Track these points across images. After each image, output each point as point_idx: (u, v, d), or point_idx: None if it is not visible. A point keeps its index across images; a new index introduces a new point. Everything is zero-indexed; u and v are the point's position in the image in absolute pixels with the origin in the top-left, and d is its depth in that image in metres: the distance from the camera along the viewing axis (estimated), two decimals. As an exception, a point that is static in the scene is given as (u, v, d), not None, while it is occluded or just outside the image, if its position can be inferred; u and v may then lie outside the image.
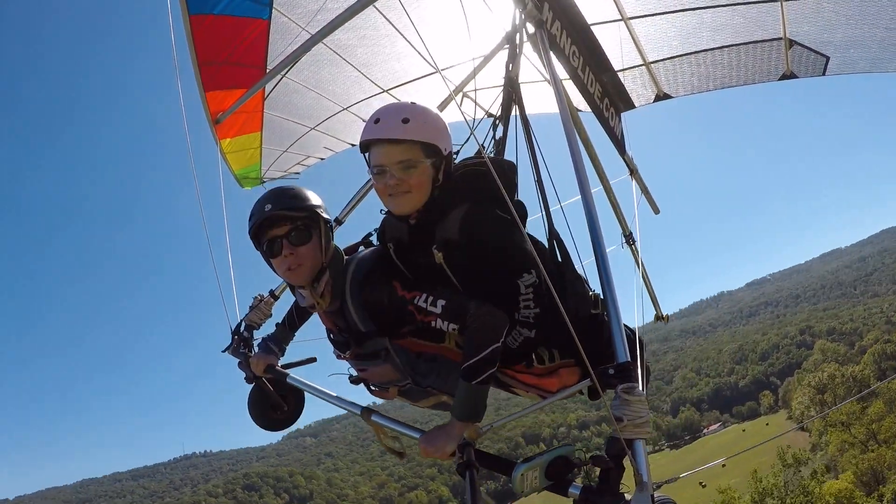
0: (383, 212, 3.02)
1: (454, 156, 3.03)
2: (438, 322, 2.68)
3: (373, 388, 3.29)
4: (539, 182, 3.65)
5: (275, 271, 2.93)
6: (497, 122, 3.97)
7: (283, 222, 2.81)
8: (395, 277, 2.83)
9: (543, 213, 3.61)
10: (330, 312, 3.04)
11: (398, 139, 2.71)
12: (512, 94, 4.04)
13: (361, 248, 3.12)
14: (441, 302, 2.66)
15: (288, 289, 3.48)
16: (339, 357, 3.18)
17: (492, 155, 3.90)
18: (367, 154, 2.87)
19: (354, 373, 3.25)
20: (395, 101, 6.46)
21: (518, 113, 4.00)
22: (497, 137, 3.99)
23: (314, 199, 2.93)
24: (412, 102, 2.86)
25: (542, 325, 2.82)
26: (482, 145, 3.80)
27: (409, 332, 2.90)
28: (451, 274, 2.83)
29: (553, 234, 3.47)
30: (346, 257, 3.02)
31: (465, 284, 2.82)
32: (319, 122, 6.55)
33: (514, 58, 4.07)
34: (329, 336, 3.19)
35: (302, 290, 2.98)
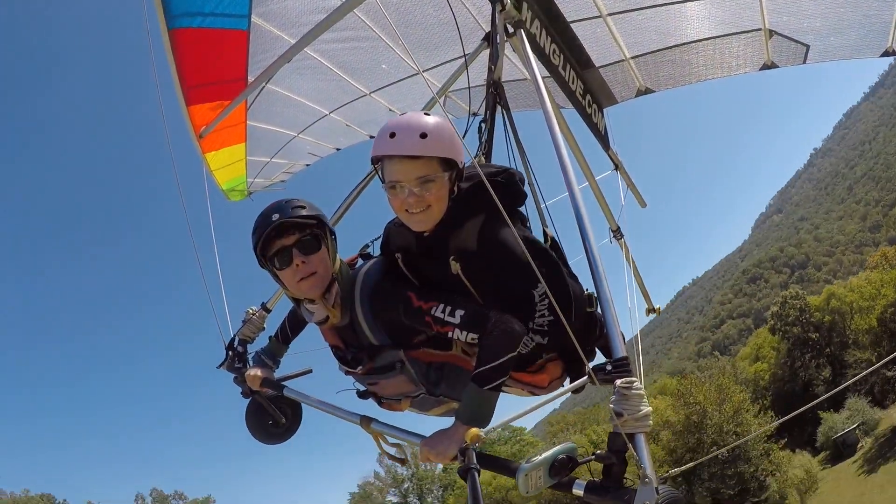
0: (395, 224, 2.96)
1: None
2: (456, 332, 2.64)
3: (384, 401, 3.25)
4: (531, 184, 3.65)
5: (283, 287, 2.87)
6: (482, 124, 3.93)
7: (291, 231, 2.76)
8: (408, 288, 2.79)
9: (540, 213, 3.64)
10: (338, 328, 2.99)
11: (417, 155, 2.63)
12: (496, 95, 4.04)
13: (359, 260, 3.09)
14: (460, 312, 2.62)
15: (281, 301, 3.43)
16: (347, 373, 3.13)
17: (481, 156, 3.88)
18: (378, 166, 2.78)
19: (361, 387, 3.21)
20: (381, 103, 6.51)
21: (504, 114, 3.99)
22: (484, 139, 3.94)
23: (317, 208, 2.89)
24: (425, 114, 2.77)
25: (554, 333, 2.82)
26: (480, 152, 3.83)
27: (421, 343, 2.87)
28: (468, 283, 2.79)
29: (547, 234, 3.48)
30: (350, 270, 2.96)
31: (482, 294, 2.80)
32: (303, 129, 6.53)
33: (495, 59, 4.05)
34: (336, 353, 3.13)
35: (311, 304, 2.92)
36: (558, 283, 2.84)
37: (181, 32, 4.10)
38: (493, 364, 2.51)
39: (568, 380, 3.17)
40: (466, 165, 2.93)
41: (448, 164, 2.71)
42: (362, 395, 3.27)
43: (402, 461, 3.34)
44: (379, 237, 3.16)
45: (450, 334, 2.66)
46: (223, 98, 4.84)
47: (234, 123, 5.47)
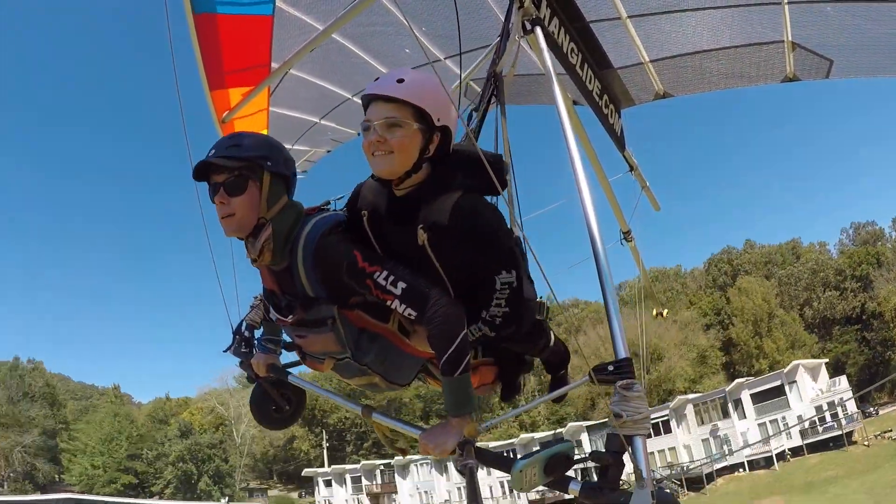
0: (371, 178, 2.95)
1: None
2: (395, 303, 2.62)
3: (308, 358, 3.20)
4: (512, 181, 3.63)
5: None
6: (474, 112, 3.87)
7: (221, 170, 2.71)
8: (356, 247, 2.72)
9: (511, 213, 3.61)
10: (275, 272, 2.92)
11: (388, 96, 2.66)
12: (495, 88, 3.99)
13: (318, 212, 3.00)
14: (402, 284, 2.59)
15: None
16: (277, 321, 3.08)
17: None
18: None
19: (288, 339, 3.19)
20: None
21: (499, 108, 3.97)
22: (472, 128, 3.82)
23: (261, 148, 2.80)
24: (418, 69, 2.79)
25: (503, 328, 2.81)
26: (470, 130, 3.74)
27: (357, 305, 2.82)
28: (432, 256, 2.75)
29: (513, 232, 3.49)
30: (304, 217, 2.90)
31: (444, 269, 2.77)
32: (325, 114, 6.61)
33: (500, 53, 4.05)
34: (270, 298, 3.08)
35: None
36: (522, 277, 2.83)
37: (206, 17, 4.19)
38: (451, 349, 2.50)
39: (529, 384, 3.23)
40: (460, 138, 2.94)
41: (422, 115, 2.69)
42: (287, 347, 3.26)
43: (403, 452, 3.29)
44: (342, 196, 3.13)
45: (389, 302, 2.63)
46: (246, 84, 4.94)
47: (257, 110, 5.56)
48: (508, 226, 3.01)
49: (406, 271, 2.64)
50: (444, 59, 5.86)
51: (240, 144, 2.76)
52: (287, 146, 6.83)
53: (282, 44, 4.93)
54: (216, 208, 2.77)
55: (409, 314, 2.60)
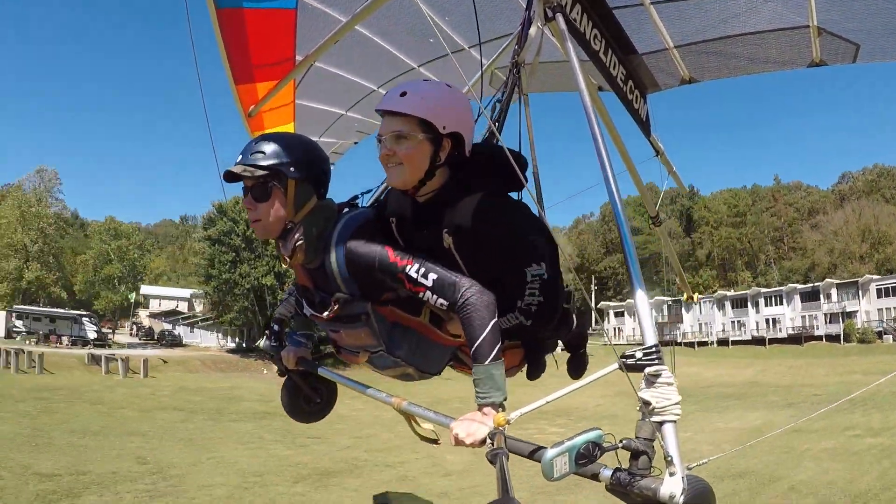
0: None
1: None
2: (427, 294, 2.68)
3: (342, 351, 3.30)
4: (535, 173, 3.70)
5: None
6: (497, 103, 3.94)
7: (246, 177, 2.79)
8: (386, 242, 2.81)
9: (539, 204, 3.70)
10: (309, 269, 3.01)
11: (392, 110, 2.75)
12: (517, 78, 4.05)
13: (346, 209, 3.10)
14: (433, 276, 2.65)
15: None
16: (311, 317, 3.16)
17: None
18: None
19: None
20: (427, 76, 6.61)
21: (521, 98, 4.03)
22: (495, 118, 3.89)
23: (285, 154, 2.83)
24: (427, 80, 2.84)
25: (538, 317, 2.87)
26: (492, 121, 3.73)
27: (390, 301, 2.92)
28: (458, 259, 2.84)
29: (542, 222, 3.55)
30: (336, 215, 2.97)
31: (472, 269, 2.82)
32: (351, 106, 6.67)
33: (522, 42, 4.06)
34: (304, 294, 3.17)
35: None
36: (555, 267, 2.91)
37: (231, 12, 4.26)
38: (483, 336, 2.53)
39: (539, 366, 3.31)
40: (484, 129, 2.97)
41: (427, 125, 2.75)
42: (322, 340, 3.39)
43: (435, 442, 3.26)
44: (370, 190, 3.28)
45: (420, 295, 2.70)
46: (273, 78, 5.01)
47: (284, 104, 5.62)
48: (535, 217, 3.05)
49: (436, 263, 2.72)
50: (468, 48, 5.89)
51: (263, 151, 2.81)
52: (314, 138, 7.02)
53: (305, 37, 5.01)
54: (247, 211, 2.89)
55: (441, 304, 2.68)
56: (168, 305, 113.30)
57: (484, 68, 5.14)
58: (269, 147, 2.82)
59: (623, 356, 2.50)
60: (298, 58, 5.15)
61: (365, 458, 18.46)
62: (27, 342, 60.74)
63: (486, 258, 2.82)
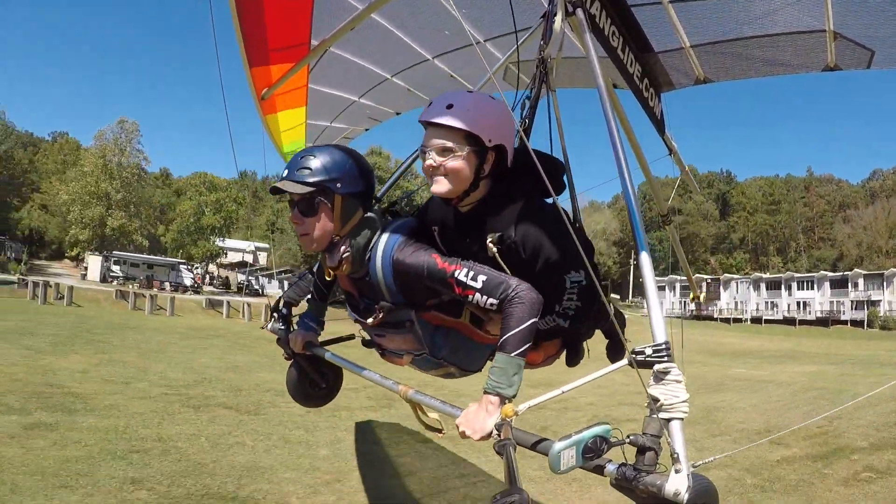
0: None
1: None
2: (477, 296, 2.68)
3: (387, 353, 3.38)
4: (568, 172, 3.66)
5: None
6: (526, 100, 3.84)
7: (294, 192, 2.82)
8: (432, 250, 2.84)
9: (574, 203, 3.72)
10: (354, 277, 3.06)
11: (439, 123, 2.76)
12: (544, 74, 4.01)
13: (388, 216, 3.14)
14: (482, 278, 2.67)
15: None
16: (356, 321, 3.23)
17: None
18: None
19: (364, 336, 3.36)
20: (443, 69, 6.63)
21: (549, 94, 4.01)
22: (524, 116, 3.82)
23: (331, 170, 2.86)
24: (471, 91, 2.87)
25: (577, 320, 2.93)
26: (523, 123, 3.66)
27: (433, 306, 2.97)
28: (504, 266, 2.84)
29: (578, 222, 3.59)
30: (379, 226, 3.00)
31: (515, 274, 2.81)
32: (364, 93, 6.67)
33: (547, 37, 4.05)
34: (349, 300, 3.23)
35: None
36: (595, 271, 2.91)
37: None
38: (518, 329, 2.55)
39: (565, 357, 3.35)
40: (515, 146, 2.99)
41: (473, 138, 2.78)
42: (367, 344, 3.43)
43: (440, 431, 3.31)
44: (410, 194, 3.30)
45: (470, 297, 2.72)
46: (288, 61, 5.00)
47: (296, 87, 5.62)
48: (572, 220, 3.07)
49: (483, 265, 2.76)
50: (485, 41, 5.90)
51: (310, 168, 2.85)
52: (325, 123, 7.06)
53: (322, 22, 5.01)
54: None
55: (491, 304, 2.69)
56: (234, 258, 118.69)
57: (500, 63, 5.19)
58: (316, 163, 2.86)
59: (633, 352, 2.52)
60: (314, 42, 5.15)
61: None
62: (130, 287, 62.58)
63: (529, 265, 2.86)
